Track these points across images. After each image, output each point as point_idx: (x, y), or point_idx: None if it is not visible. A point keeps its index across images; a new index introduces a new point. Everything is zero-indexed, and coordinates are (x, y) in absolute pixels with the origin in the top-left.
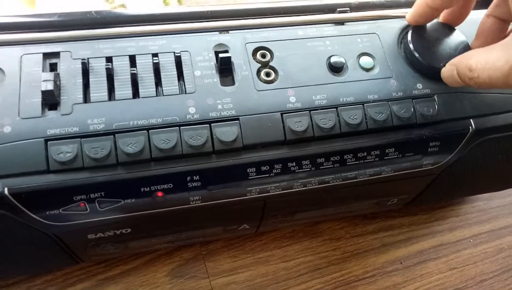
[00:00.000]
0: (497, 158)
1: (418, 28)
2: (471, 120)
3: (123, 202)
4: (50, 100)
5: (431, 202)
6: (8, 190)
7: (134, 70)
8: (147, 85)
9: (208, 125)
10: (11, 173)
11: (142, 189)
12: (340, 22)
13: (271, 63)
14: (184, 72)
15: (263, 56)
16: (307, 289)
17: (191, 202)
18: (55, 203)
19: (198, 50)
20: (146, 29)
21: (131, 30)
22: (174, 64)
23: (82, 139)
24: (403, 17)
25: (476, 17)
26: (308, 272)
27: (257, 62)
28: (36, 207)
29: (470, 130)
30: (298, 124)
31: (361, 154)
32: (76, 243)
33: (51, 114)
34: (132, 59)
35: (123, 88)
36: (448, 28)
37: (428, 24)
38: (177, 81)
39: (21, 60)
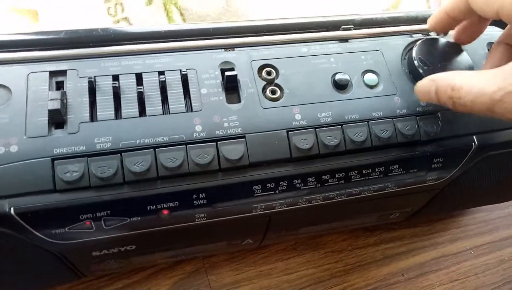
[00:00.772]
0: (500, 173)
1: (422, 45)
2: (474, 136)
3: (129, 220)
4: (57, 119)
5: (434, 215)
6: (14, 210)
7: (140, 88)
8: (153, 103)
9: (214, 143)
10: (18, 192)
11: (148, 208)
12: (344, 39)
13: (276, 81)
14: (190, 90)
15: (269, 73)
16: None
17: (196, 219)
18: (61, 222)
19: (204, 67)
20: (152, 47)
21: (137, 48)
22: (181, 82)
23: (89, 158)
24: (407, 33)
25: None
26: (310, 285)
27: (262, 79)
28: (42, 226)
29: (473, 146)
30: (304, 141)
31: (365, 171)
32: (80, 260)
33: (57, 133)
34: (139, 77)
35: (129, 107)
36: (454, 47)
37: (433, 42)
38: (183, 99)
39: (27, 79)
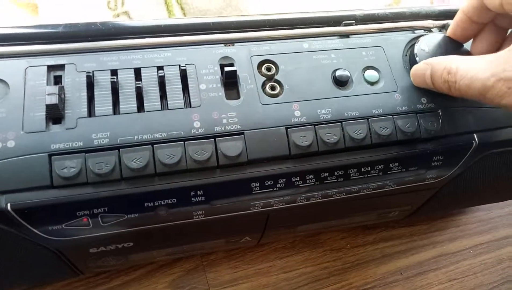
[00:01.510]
0: (500, 172)
1: (424, 42)
2: (475, 134)
3: (126, 217)
4: (55, 114)
5: (433, 213)
6: (11, 206)
7: (139, 83)
8: (152, 99)
9: (213, 139)
10: (14, 188)
11: (145, 204)
12: (345, 35)
13: (276, 77)
14: (189, 85)
15: (268, 69)
16: None
17: (194, 217)
18: (58, 219)
19: (204, 63)
20: (151, 42)
21: (136, 43)
22: (180, 77)
23: (86, 154)
24: (408, 29)
25: None
26: (308, 283)
27: (262, 75)
28: (38, 222)
29: (474, 144)
30: (303, 138)
31: (365, 169)
32: (78, 257)
33: (55, 128)
34: (137, 72)
35: (128, 102)
36: (455, 43)
37: (435, 38)
38: (182, 95)
39: (25, 73)
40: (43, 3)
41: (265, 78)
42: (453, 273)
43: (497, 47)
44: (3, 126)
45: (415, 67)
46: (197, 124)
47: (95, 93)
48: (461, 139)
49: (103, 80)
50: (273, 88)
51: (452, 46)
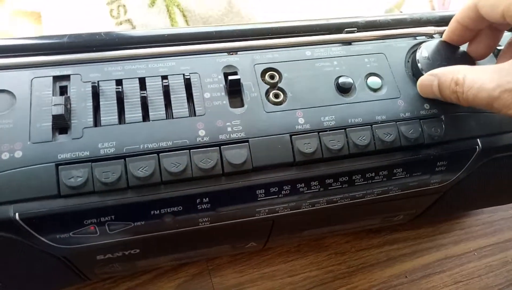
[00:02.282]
0: (504, 176)
1: (425, 48)
2: (478, 139)
3: (133, 225)
4: (61, 124)
5: (437, 217)
6: (19, 215)
7: (144, 93)
8: (157, 108)
9: (217, 147)
10: (22, 198)
11: (152, 212)
12: (348, 42)
13: (279, 84)
14: (193, 94)
15: (272, 77)
16: None
17: (200, 224)
18: (65, 227)
19: (207, 72)
20: (155, 51)
21: (140, 52)
22: (184, 86)
23: (93, 164)
24: (410, 36)
25: None
26: (314, 286)
27: (265, 83)
28: (46, 231)
29: (477, 149)
30: (307, 145)
31: (369, 175)
32: (85, 264)
33: (61, 138)
34: (142, 82)
35: (133, 111)
36: (457, 49)
37: (437, 44)
38: (186, 104)
39: (31, 84)
40: (46, 12)
41: (268, 86)
42: (458, 275)
43: (493, 48)
44: (11, 137)
45: (421, 79)
46: (202, 133)
47: (101, 103)
48: (465, 144)
49: (108, 90)
50: (276, 95)
51: (451, 51)
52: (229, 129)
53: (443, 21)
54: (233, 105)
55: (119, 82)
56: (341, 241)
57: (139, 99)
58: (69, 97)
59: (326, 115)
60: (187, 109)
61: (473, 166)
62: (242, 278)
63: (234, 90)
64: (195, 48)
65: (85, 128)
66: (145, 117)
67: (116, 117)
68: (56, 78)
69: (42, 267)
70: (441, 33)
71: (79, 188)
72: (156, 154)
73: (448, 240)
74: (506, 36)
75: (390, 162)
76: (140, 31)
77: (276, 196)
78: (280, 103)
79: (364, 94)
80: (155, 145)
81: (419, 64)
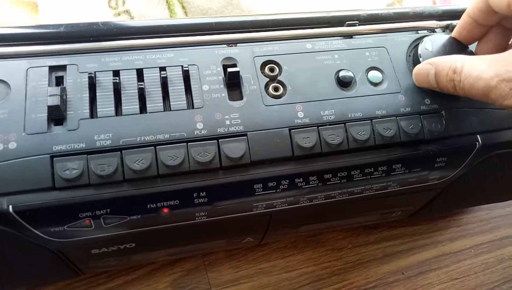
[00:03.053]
0: (504, 172)
1: (428, 42)
2: (478, 135)
3: (128, 218)
4: (56, 115)
5: (435, 213)
6: (13, 208)
7: (141, 84)
8: (154, 100)
9: (215, 141)
10: (16, 190)
11: (148, 206)
12: (349, 35)
13: (279, 77)
14: (192, 86)
15: (272, 70)
16: None
17: (196, 218)
18: (60, 220)
19: (206, 63)
20: (153, 42)
21: (138, 43)
22: (182, 78)
23: (89, 156)
24: (412, 30)
25: None
26: (310, 282)
27: (265, 76)
28: (40, 224)
29: (477, 145)
30: (306, 140)
31: (368, 170)
32: (79, 258)
33: (57, 129)
34: (140, 73)
35: (130, 103)
36: (460, 44)
37: (440, 39)
38: (185, 96)
39: (27, 74)
40: (43, 2)
41: (268, 79)
42: (455, 272)
43: (503, 49)
44: (5, 128)
45: (417, 66)
46: (200, 125)
47: (97, 94)
48: (465, 140)
49: (105, 81)
50: (276, 89)
51: (457, 48)
52: (227, 122)
53: (445, 15)
54: (232, 98)
55: (116, 73)
56: (338, 237)
57: (137, 91)
58: (65, 87)
59: (325, 109)
60: (185, 102)
61: (472, 163)
62: (238, 273)
63: (233, 83)
64: (194, 40)
65: (81, 119)
66: (142, 109)
67: (113, 108)
68: (52, 68)
69: (36, 260)
70: (443, 27)
71: (74, 181)
72: (153, 147)
73: (445, 237)
74: None
75: (389, 158)
76: (139, 21)
77: (274, 190)
78: (279, 97)
79: (365, 88)
80: (152, 137)
81: (420, 58)
